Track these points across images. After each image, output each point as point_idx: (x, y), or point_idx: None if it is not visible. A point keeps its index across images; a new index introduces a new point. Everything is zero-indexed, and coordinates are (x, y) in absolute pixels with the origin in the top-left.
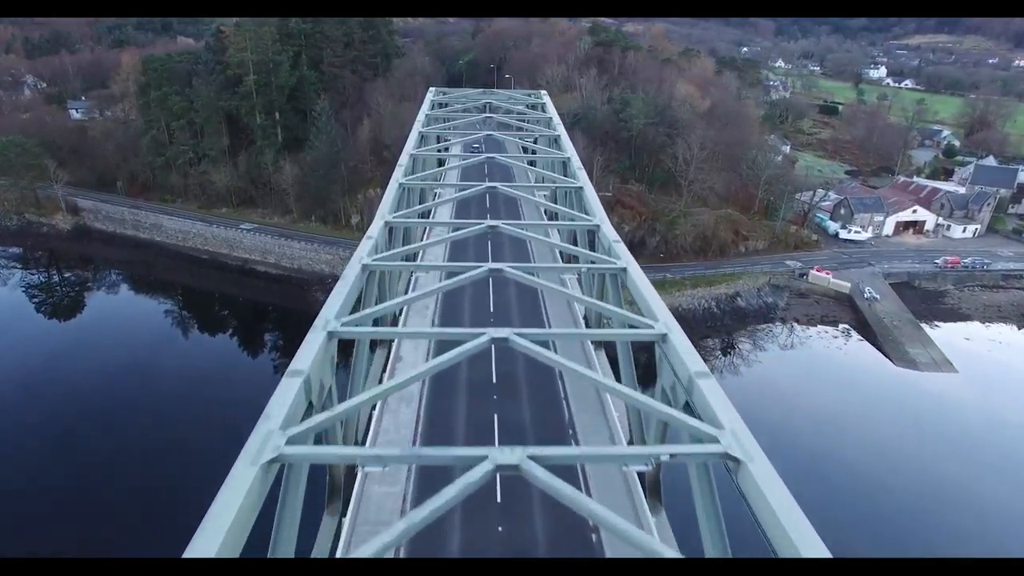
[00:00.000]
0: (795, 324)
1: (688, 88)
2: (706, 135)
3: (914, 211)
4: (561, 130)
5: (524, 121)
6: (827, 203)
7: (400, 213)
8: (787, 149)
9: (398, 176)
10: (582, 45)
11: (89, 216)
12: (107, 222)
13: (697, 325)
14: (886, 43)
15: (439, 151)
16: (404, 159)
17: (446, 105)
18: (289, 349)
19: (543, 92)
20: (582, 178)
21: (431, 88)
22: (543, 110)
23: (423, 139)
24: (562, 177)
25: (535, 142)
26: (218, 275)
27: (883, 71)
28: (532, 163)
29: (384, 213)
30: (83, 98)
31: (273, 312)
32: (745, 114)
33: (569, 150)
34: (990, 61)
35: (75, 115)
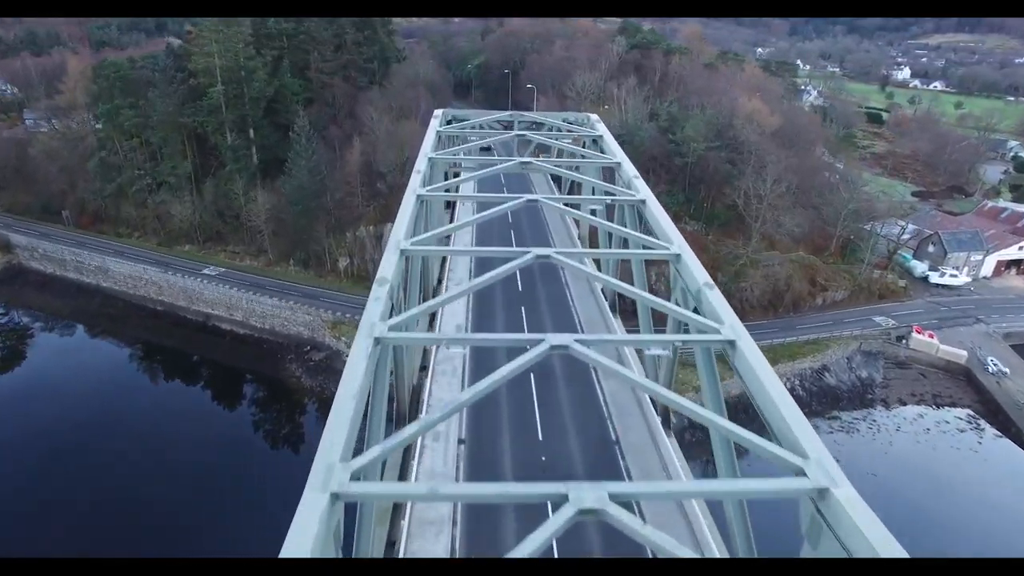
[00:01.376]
0: (901, 408)
1: (754, 104)
2: (781, 162)
3: (1021, 247)
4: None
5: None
6: (907, 237)
7: (418, 239)
8: (841, 167)
9: (415, 186)
10: (616, 48)
11: (24, 254)
12: (45, 262)
13: None
14: (904, 43)
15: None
16: (421, 164)
17: (458, 139)
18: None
19: (593, 117)
20: (641, 189)
21: (438, 112)
22: (599, 147)
23: (440, 141)
24: (618, 188)
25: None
26: (175, 332)
27: (907, 72)
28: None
29: (399, 239)
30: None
31: (242, 378)
32: (820, 134)
33: (619, 154)
34: (1017, 61)
35: (31, 126)
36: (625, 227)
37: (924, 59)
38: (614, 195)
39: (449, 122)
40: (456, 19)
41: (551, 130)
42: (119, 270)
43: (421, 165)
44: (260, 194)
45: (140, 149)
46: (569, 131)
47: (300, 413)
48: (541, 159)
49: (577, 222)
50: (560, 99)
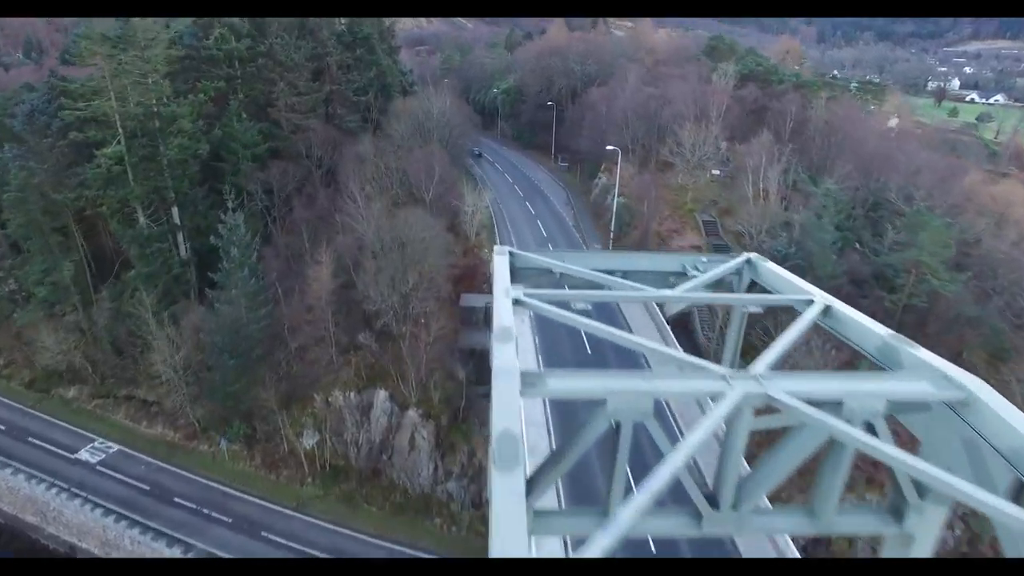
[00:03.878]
0: None
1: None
2: None
3: None
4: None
5: None
6: None
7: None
8: None
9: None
10: (723, 80)
11: None
12: None
13: None
14: (941, 50)
15: None
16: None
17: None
18: None
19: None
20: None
21: (501, 251)
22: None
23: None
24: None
25: None
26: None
27: (955, 83)
28: None
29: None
30: None
31: None
32: None
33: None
34: None
35: None
36: None
37: (968, 68)
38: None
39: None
40: (470, 24)
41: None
42: None
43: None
44: (193, 311)
45: None
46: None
47: None
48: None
49: None
50: (649, 164)
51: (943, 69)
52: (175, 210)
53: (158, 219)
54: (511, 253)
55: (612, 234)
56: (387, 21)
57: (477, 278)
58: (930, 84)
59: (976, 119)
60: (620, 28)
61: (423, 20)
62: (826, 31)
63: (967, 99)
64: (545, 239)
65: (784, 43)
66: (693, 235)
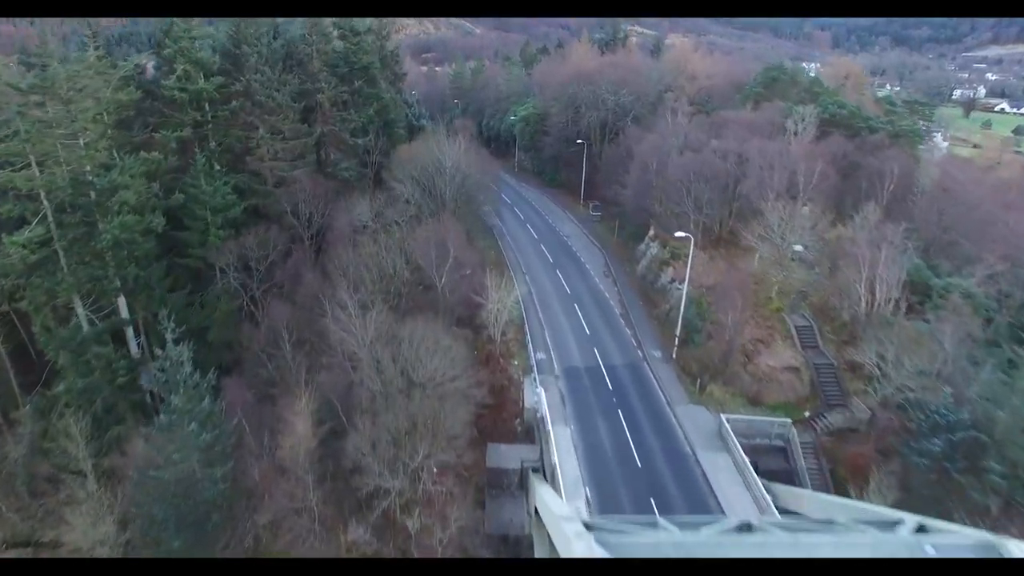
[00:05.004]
0: None
1: None
2: None
3: None
4: None
5: None
6: None
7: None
8: None
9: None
10: (797, 124)
11: None
12: None
13: None
14: (960, 55)
15: None
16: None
17: None
18: None
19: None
20: None
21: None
22: None
23: None
24: None
25: None
26: None
27: (981, 91)
28: None
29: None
30: None
31: None
32: None
33: None
34: None
35: None
36: None
37: (992, 75)
38: None
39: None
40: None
41: None
42: None
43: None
44: (138, 441)
45: None
46: None
47: None
48: None
49: None
50: (718, 241)
51: (964, 75)
52: (122, 300)
53: (101, 311)
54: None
55: (677, 339)
56: (391, 45)
57: (506, 407)
58: (956, 93)
59: (1013, 132)
60: (638, 32)
61: (429, 26)
62: (840, 36)
63: (996, 108)
64: (590, 341)
65: (840, 65)
66: (785, 348)
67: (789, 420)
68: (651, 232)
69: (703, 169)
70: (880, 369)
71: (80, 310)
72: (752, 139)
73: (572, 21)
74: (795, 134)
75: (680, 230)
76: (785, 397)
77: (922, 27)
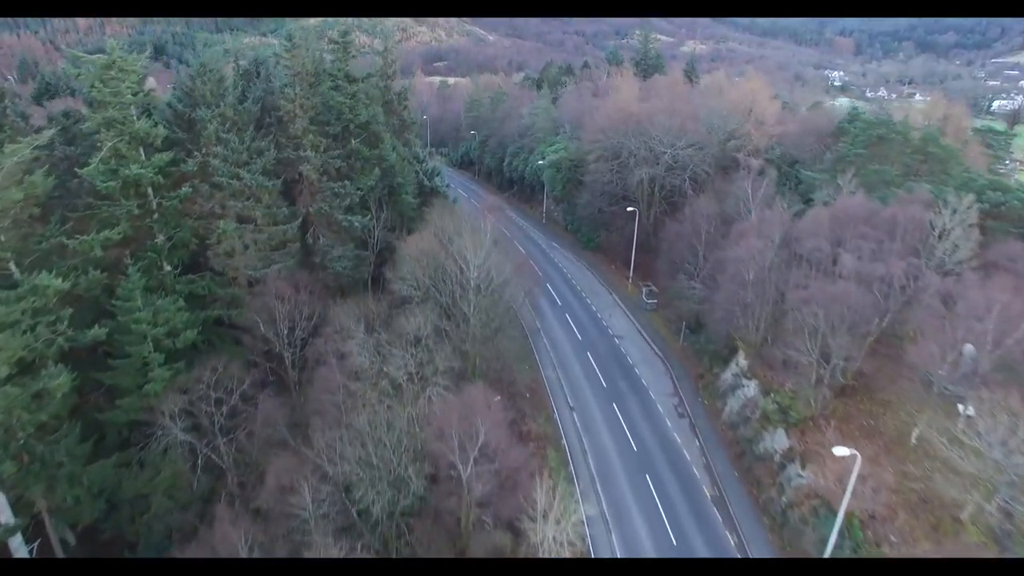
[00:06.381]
0: None
1: None
2: None
3: None
4: None
5: None
6: None
7: None
8: None
9: None
10: (949, 219)
11: None
12: None
13: None
14: (988, 61)
15: None
16: None
17: None
18: None
19: None
20: None
21: None
22: None
23: None
24: None
25: None
26: None
27: (1019, 100)
28: None
29: None
30: None
31: None
32: None
33: None
34: None
35: None
36: None
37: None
38: None
39: None
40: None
41: None
42: None
43: None
44: None
45: None
46: None
47: None
48: None
49: None
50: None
51: (996, 83)
52: (1, 498)
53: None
54: None
55: None
56: (399, 85)
57: None
58: (994, 104)
59: None
60: (654, 39)
61: (441, 33)
62: (863, 42)
63: None
64: (677, 552)
65: (936, 104)
66: None
67: None
68: (741, 358)
69: (834, 303)
70: None
71: None
72: (891, 248)
73: (588, 27)
74: (942, 235)
75: (788, 376)
76: None
77: (948, 32)
